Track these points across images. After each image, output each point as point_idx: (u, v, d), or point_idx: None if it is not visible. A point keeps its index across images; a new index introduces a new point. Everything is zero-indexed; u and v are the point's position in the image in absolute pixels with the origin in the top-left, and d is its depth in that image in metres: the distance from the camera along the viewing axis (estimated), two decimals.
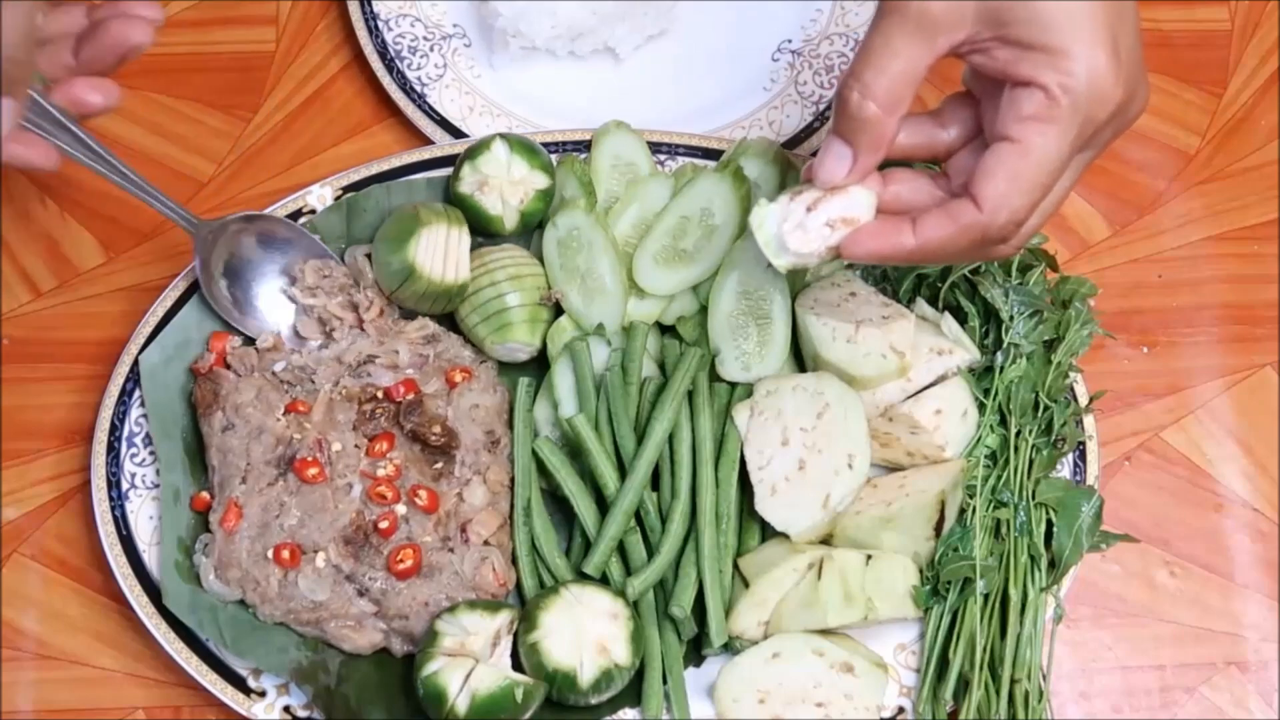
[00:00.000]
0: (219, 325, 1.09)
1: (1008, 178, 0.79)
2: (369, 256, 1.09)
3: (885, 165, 0.89)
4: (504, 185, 1.10)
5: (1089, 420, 1.07)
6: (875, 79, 0.81)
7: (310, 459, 1.01)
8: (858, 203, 0.87)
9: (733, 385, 1.07)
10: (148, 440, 1.06)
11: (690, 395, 1.04)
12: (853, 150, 0.84)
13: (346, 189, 1.13)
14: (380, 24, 1.22)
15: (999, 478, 1.04)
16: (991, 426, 1.05)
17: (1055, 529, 1.02)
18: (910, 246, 0.85)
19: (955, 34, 0.80)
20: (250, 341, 1.08)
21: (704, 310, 1.08)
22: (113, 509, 1.04)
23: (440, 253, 1.07)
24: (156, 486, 1.05)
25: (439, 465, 1.03)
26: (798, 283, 1.10)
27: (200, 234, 1.06)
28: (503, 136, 1.11)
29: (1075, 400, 1.07)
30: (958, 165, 0.89)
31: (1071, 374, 1.07)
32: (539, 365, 1.10)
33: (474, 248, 1.11)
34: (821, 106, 1.20)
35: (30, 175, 1.21)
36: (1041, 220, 0.84)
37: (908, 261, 0.87)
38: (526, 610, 0.99)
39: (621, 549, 1.03)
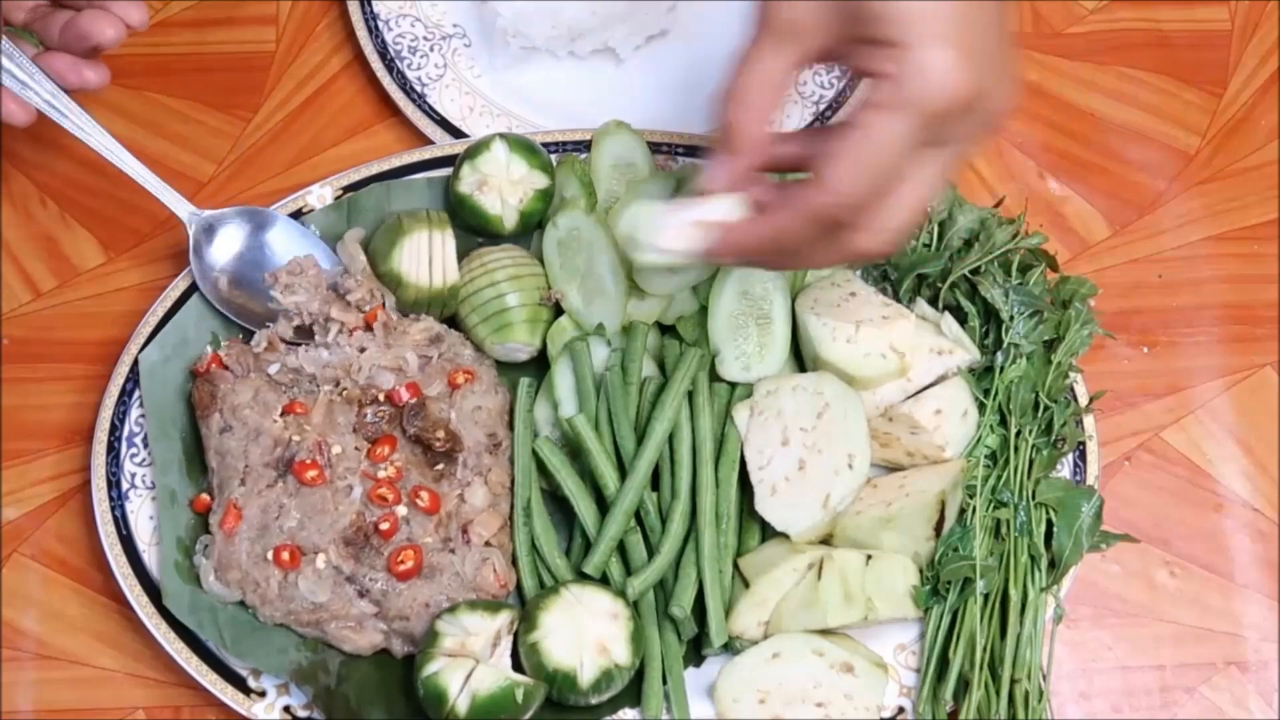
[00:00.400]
0: (219, 326, 1.09)
1: (842, 158, 0.80)
2: (363, 245, 1.09)
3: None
4: (503, 185, 1.10)
5: (1089, 420, 1.07)
6: (737, 85, 0.85)
7: (310, 461, 1.01)
8: (726, 207, 0.88)
9: (733, 385, 1.07)
10: (148, 440, 1.05)
11: (690, 395, 1.04)
12: (722, 155, 0.86)
13: (346, 189, 1.13)
14: (380, 24, 1.22)
15: (999, 478, 1.04)
16: (991, 426, 1.05)
17: (1055, 529, 1.02)
18: (763, 233, 0.86)
19: (812, 41, 0.83)
20: (249, 339, 1.08)
21: (704, 310, 1.08)
22: (113, 509, 1.04)
23: (424, 258, 1.08)
24: (156, 487, 1.05)
25: (440, 467, 1.03)
26: (798, 283, 1.10)
27: (196, 223, 1.07)
28: (502, 136, 1.11)
29: (1075, 400, 1.07)
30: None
31: (1071, 374, 1.07)
32: (539, 365, 1.10)
33: (474, 248, 1.11)
34: (822, 107, 1.20)
35: (31, 175, 1.21)
36: (902, 213, 0.83)
37: (765, 252, 0.87)
38: (526, 610, 0.99)
39: (621, 549, 1.03)
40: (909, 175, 0.82)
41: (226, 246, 1.08)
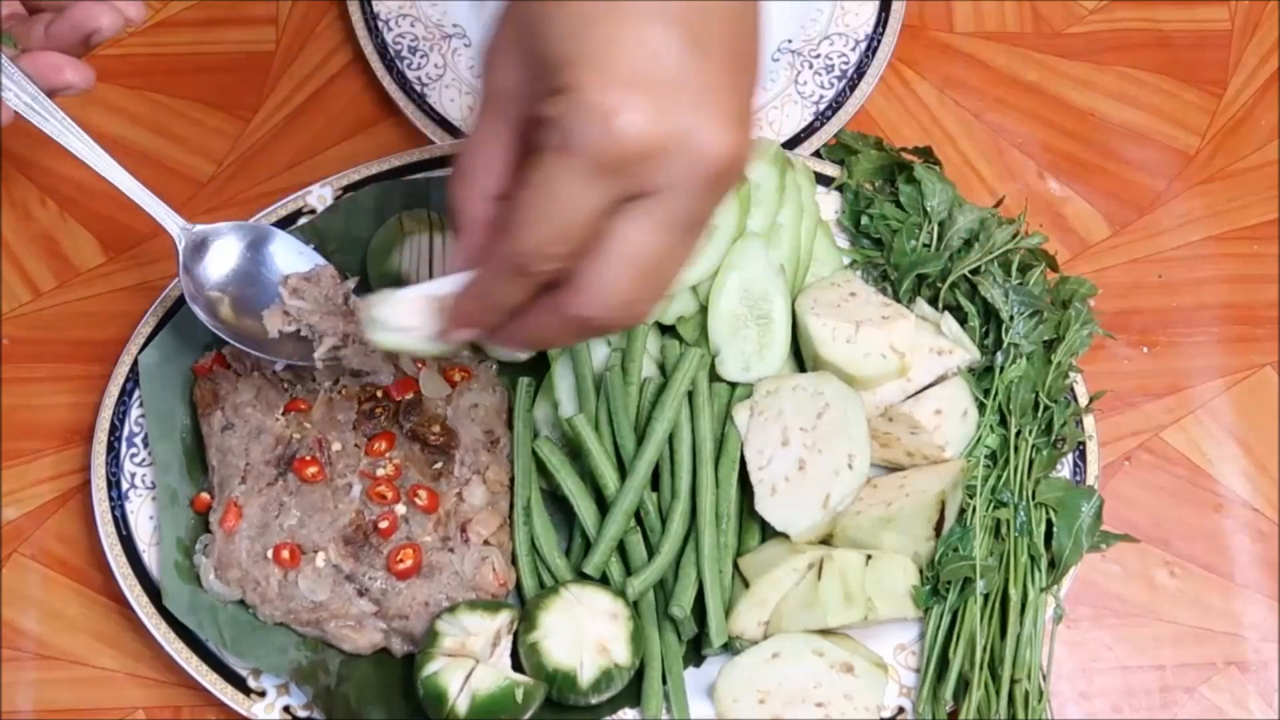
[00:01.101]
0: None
1: (516, 205, 0.73)
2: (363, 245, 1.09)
3: None
4: None
5: (1089, 420, 1.07)
6: (461, 162, 0.78)
7: (310, 458, 1.01)
8: (459, 281, 0.81)
9: (733, 385, 1.07)
10: (148, 440, 1.05)
11: (690, 395, 1.04)
12: (456, 237, 0.80)
13: (346, 189, 1.13)
14: (380, 24, 1.22)
15: (999, 478, 1.04)
16: (991, 426, 1.05)
17: (1055, 529, 1.02)
18: (472, 293, 0.79)
19: (515, 109, 0.75)
20: None
21: (704, 310, 1.08)
22: (113, 509, 1.04)
23: (424, 259, 1.08)
24: (156, 486, 1.05)
25: (438, 465, 1.03)
26: (798, 283, 1.10)
27: (187, 239, 1.00)
28: None
29: (1075, 400, 1.07)
30: None
31: (1071, 374, 1.07)
32: (539, 365, 1.10)
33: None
34: (822, 106, 1.20)
35: (31, 175, 1.21)
36: (615, 273, 0.73)
37: (483, 315, 0.79)
38: (526, 610, 0.99)
39: (621, 549, 1.03)
40: (613, 233, 0.72)
41: (220, 263, 1.02)
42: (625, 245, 0.72)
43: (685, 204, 0.72)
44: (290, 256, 1.04)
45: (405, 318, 0.84)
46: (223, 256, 1.02)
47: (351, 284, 1.03)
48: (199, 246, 1.01)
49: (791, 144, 1.18)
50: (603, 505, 1.04)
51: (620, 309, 0.74)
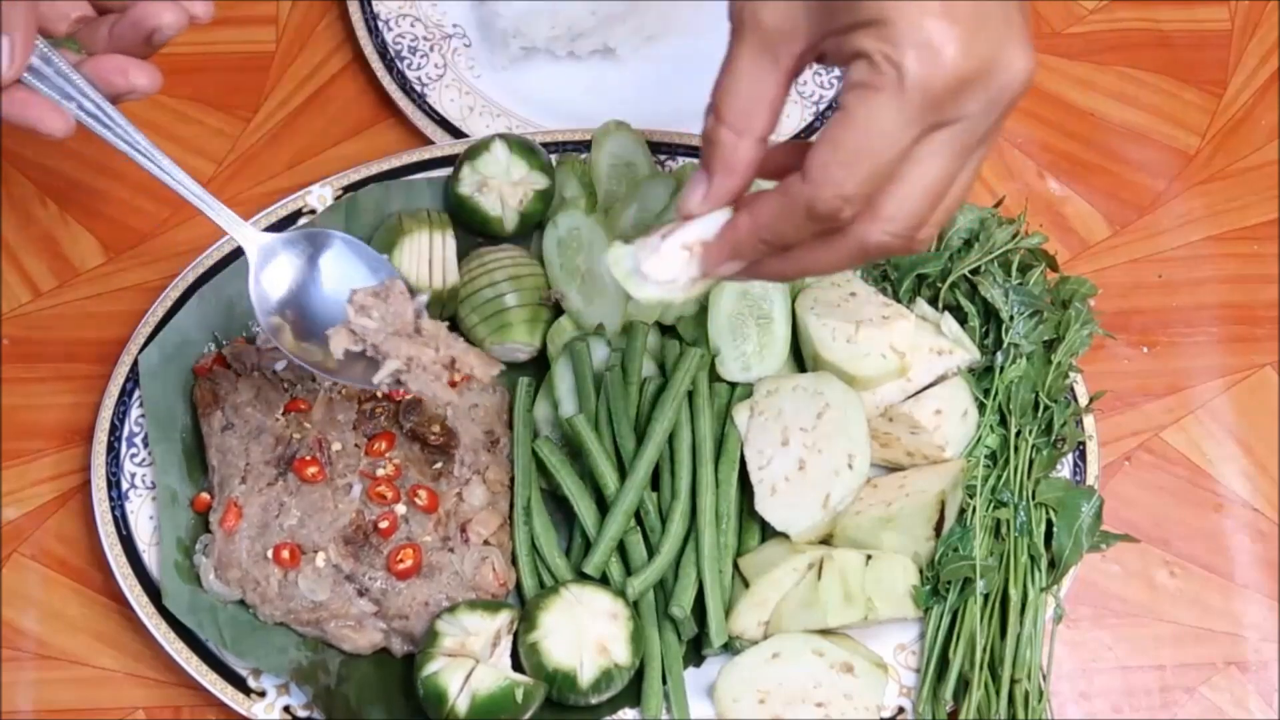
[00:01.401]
0: (219, 325, 1.09)
1: (830, 145, 0.72)
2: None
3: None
4: (503, 186, 1.10)
5: (1089, 420, 1.07)
6: (724, 102, 0.77)
7: (310, 458, 1.01)
8: (714, 224, 0.81)
9: (733, 385, 1.07)
10: (148, 440, 1.05)
11: (690, 395, 1.04)
12: (708, 175, 0.79)
13: (346, 189, 1.13)
14: (380, 24, 1.22)
15: (999, 478, 1.04)
16: (991, 426, 1.05)
17: (1055, 529, 1.02)
18: (747, 232, 0.78)
19: (794, 45, 0.75)
20: (252, 339, 1.08)
21: (704, 310, 1.08)
22: (113, 509, 1.04)
23: (425, 259, 1.08)
24: (156, 487, 1.05)
25: (438, 465, 1.03)
26: (797, 283, 1.10)
27: (260, 250, 0.92)
28: (502, 137, 1.11)
29: (1075, 400, 1.07)
30: None
31: (1071, 374, 1.07)
32: (539, 365, 1.10)
33: (474, 248, 1.11)
34: (822, 107, 1.20)
35: (31, 175, 1.21)
36: (912, 201, 0.74)
37: (754, 253, 0.79)
38: (526, 610, 0.99)
39: (621, 549, 1.03)
40: (917, 159, 0.73)
41: (287, 275, 0.94)
42: (927, 174, 0.73)
43: (984, 128, 0.74)
44: (361, 267, 0.95)
45: (669, 269, 0.82)
46: (292, 267, 0.94)
47: (423, 299, 0.94)
48: (268, 257, 0.93)
49: None
50: (603, 505, 1.04)
51: (916, 237, 0.75)
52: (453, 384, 1.05)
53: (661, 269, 0.82)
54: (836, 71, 1.21)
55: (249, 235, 0.92)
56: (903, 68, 0.69)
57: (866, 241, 0.75)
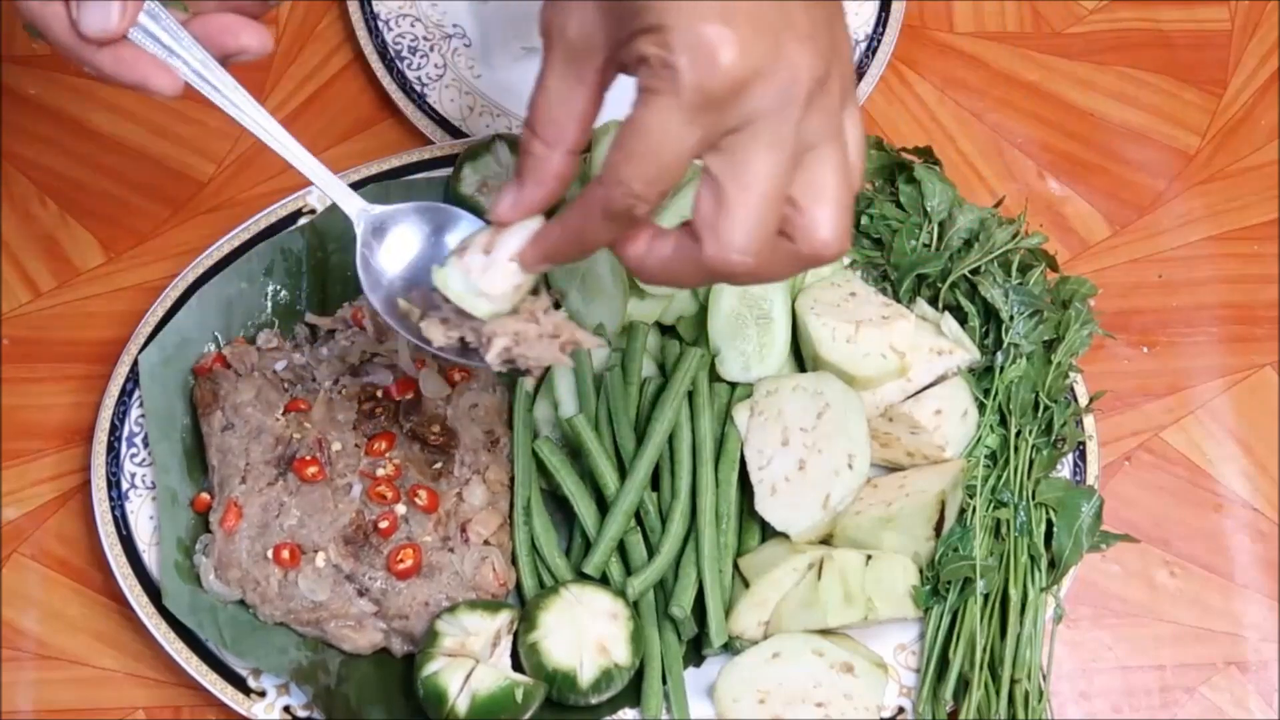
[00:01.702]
0: (219, 325, 1.09)
1: (619, 148, 0.73)
2: None
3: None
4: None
5: (1089, 420, 1.07)
6: (536, 115, 0.78)
7: (310, 458, 1.01)
8: (528, 229, 0.83)
9: (733, 385, 1.07)
10: (148, 440, 1.05)
11: (690, 395, 1.04)
12: (519, 184, 0.80)
13: None
14: (380, 24, 1.22)
15: (999, 478, 1.04)
16: (991, 426, 1.05)
17: (1055, 529, 1.02)
18: (557, 230, 0.80)
19: (595, 57, 0.76)
20: (253, 338, 1.08)
21: (704, 309, 1.08)
22: (113, 509, 1.04)
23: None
24: (156, 487, 1.05)
25: (438, 465, 1.03)
26: (798, 283, 1.10)
27: (366, 222, 0.90)
28: (502, 137, 1.11)
29: (1075, 400, 1.07)
30: None
31: (1071, 374, 1.07)
32: None
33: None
34: None
35: (31, 175, 1.21)
36: (748, 219, 0.73)
37: (568, 252, 0.81)
38: (526, 610, 0.99)
39: (621, 549, 1.03)
40: (733, 175, 0.73)
41: (400, 252, 0.90)
42: (751, 182, 0.73)
43: (791, 127, 0.73)
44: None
45: (503, 282, 0.83)
46: (403, 243, 0.90)
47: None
48: (377, 231, 0.90)
49: None
50: (603, 505, 1.04)
51: (766, 247, 0.74)
52: (452, 383, 1.06)
53: (497, 282, 0.83)
54: None
55: (356, 207, 0.90)
56: (677, 70, 0.70)
57: (715, 264, 0.75)
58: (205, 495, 1.04)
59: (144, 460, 1.06)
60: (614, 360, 1.07)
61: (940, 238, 1.11)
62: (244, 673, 1.00)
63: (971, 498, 1.02)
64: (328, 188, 0.89)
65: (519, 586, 1.04)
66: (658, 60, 0.71)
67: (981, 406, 1.06)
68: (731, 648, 1.01)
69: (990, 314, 1.08)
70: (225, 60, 0.84)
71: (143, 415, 1.06)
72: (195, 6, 0.85)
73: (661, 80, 0.71)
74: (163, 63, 0.82)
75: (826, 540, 1.02)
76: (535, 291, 0.87)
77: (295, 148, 0.87)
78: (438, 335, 0.87)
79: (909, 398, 1.05)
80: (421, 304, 0.88)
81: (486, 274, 0.83)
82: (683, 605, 1.00)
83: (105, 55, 0.81)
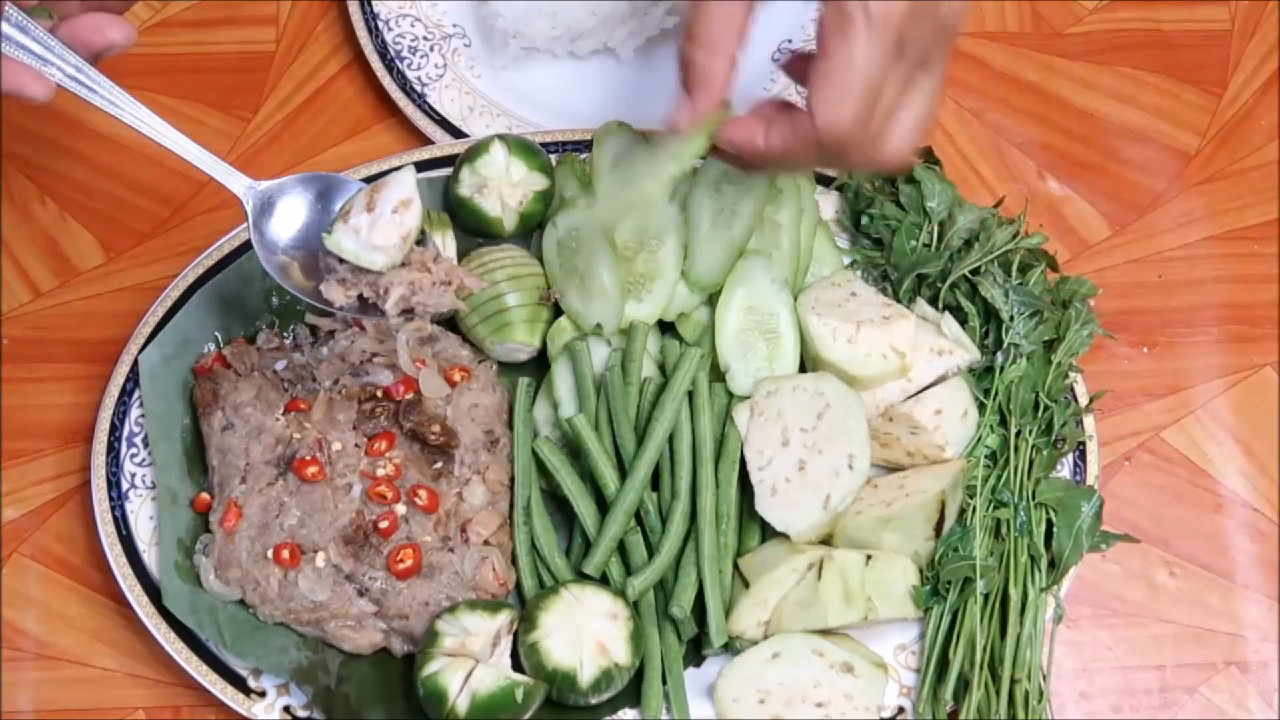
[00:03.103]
0: (219, 325, 1.09)
1: (823, 85, 0.86)
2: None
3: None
4: (503, 187, 1.10)
5: (1089, 420, 1.07)
6: (698, 29, 0.90)
7: (310, 458, 1.01)
8: (404, 183, 0.92)
9: None
10: (148, 440, 1.05)
11: (690, 395, 1.04)
12: (691, 96, 0.91)
13: None
14: (380, 24, 1.22)
15: (999, 478, 1.04)
16: (991, 426, 1.05)
17: (1055, 529, 1.02)
18: (760, 147, 0.92)
19: None
20: (254, 338, 1.08)
21: (706, 306, 1.09)
22: (113, 509, 1.04)
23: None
24: (156, 487, 1.05)
25: (438, 465, 1.03)
26: (798, 284, 1.10)
27: (253, 196, 0.94)
28: (501, 138, 1.11)
29: (1075, 400, 1.07)
30: None
31: (1071, 374, 1.07)
32: (539, 365, 1.10)
33: (473, 248, 1.11)
34: None
35: (31, 175, 1.21)
36: (893, 128, 0.89)
37: (759, 159, 0.93)
38: (526, 610, 0.99)
39: (621, 549, 1.03)
40: (902, 88, 0.88)
41: (289, 221, 0.95)
42: (910, 104, 0.89)
43: (931, 51, 0.89)
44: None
45: (392, 233, 0.92)
46: (291, 213, 0.95)
47: (415, 221, 0.95)
48: (266, 206, 0.94)
49: None
50: (603, 505, 1.04)
51: (886, 148, 0.90)
52: (452, 383, 1.06)
53: (388, 234, 0.91)
54: None
55: (241, 183, 0.94)
56: (868, 11, 0.84)
57: (853, 157, 0.89)
58: (205, 495, 1.04)
59: (144, 460, 1.06)
60: (614, 360, 1.07)
61: (940, 238, 1.11)
62: (244, 673, 1.00)
63: (971, 498, 1.02)
64: (211, 170, 0.94)
65: (519, 586, 1.04)
66: (848, 3, 0.84)
67: (981, 406, 1.06)
68: (731, 648, 1.01)
69: (990, 314, 1.08)
70: (95, 58, 0.89)
71: (143, 415, 1.06)
72: (59, 9, 0.89)
73: (849, 22, 0.84)
74: (35, 71, 0.86)
75: (826, 540, 1.02)
76: (420, 242, 0.94)
77: (174, 135, 0.92)
78: (338, 295, 0.93)
79: (909, 398, 1.05)
80: (317, 268, 0.94)
81: (375, 228, 0.91)
82: (683, 605, 1.00)
83: None
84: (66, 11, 0.89)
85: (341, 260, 0.93)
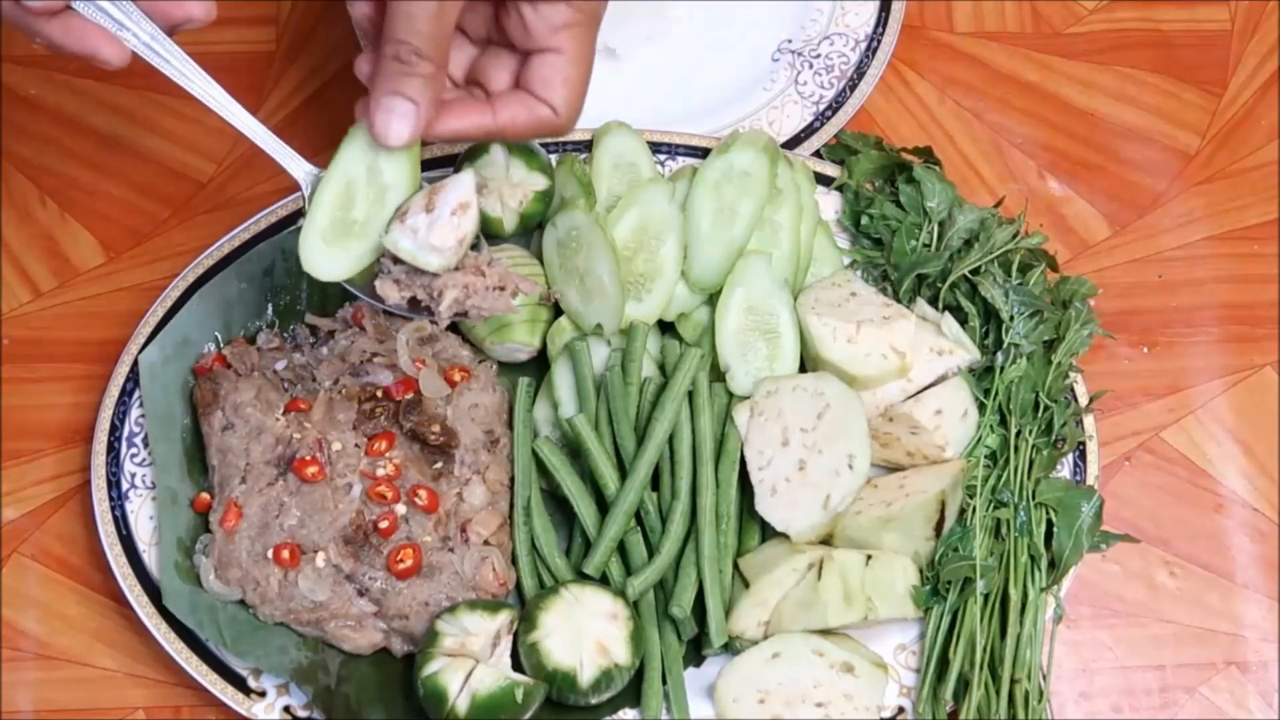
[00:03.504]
0: (219, 325, 1.09)
1: (565, 83, 0.92)
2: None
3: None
4: (503, 188, 1.10)
5: (1089, 420, 1.07)
6: (425, 39, 0.87)
7: (310, 458, 1.01)
8: (463, 186, 0.92)
9: None
10: (148, 440, 1.05)
11: (690, 395, 1.04)
12: (421, 107, 0.89)
13: None
14: None
15: (999, 478, 1.04)
16: (991, 426, 1.05)
17: (1055, 529, 1.02)
18: (489, 125, 0.94)
19: None
20: (254, 339, 1.08)
21: (706, 306, 1.08)
22: (113, 509, 1.04)
23: None
24: (156, 487, 1.05)
25: (438, 465, 1.03)
26: (798, 284, 1.10)
27: (312, 182, 0.93)
28: None
29: (1075, 400, 1.07)
30: (481, 67, 0.97)
31: (1071, 374, 1.07)
32: (539, 365, 1.10)
33: (473, 248, 1.11)
34: (822, 107, 1.20)
35: (31, 175, 1.21)
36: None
37: (486, 136, 0.95)
38: (526, 610, 0.99)
39: (621, 549, 1.03)
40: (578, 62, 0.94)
41: None
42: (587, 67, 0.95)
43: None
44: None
45: (451, 236, 0.91)
46: None
47: (472, 222, 0.94)
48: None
49: (791, 144, 1.17)
50: (603, 505, 1.04)
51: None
52: (452, 383, 1.06)
53: (445, 236, 0.91)
54: (836, 72, 1.21)
55: (302, 168, 0.93)
56: (595, 8, 0.91)
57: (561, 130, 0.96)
58: (205, 495, 1.04)
59: (144, 460, 1.06)
60: (614, 360, 1.07)
61: (940, 238, 1.11)
62: (244, 673, 1.00)
63: (971, 498, 1.02)
64: (274, 152, 0.93)
65: (519, 586, 1.04)
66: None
67: (982, 406, 1.06)
68: (731, 648, 1.01)
69: (990, 314, 1.08)
70: (172, 30, 0.88)
71: (143, 415, 1.06)
72: None
73: (580, 15, 0.91)
74: (111, 34, 0.86)
75: (826, 540, 1.02)
76: (475, 247, 0.94)
77: (241, 113, 0.91)
78: (392, 294, 0.92)
79: (909, 398, 1.05)
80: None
81: (433, 230, 0.90)
82: (683, 605, 1.00)
83: (55, 26, 0.85)
84: None
85: (396, 260, 0.92)
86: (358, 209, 0.92)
